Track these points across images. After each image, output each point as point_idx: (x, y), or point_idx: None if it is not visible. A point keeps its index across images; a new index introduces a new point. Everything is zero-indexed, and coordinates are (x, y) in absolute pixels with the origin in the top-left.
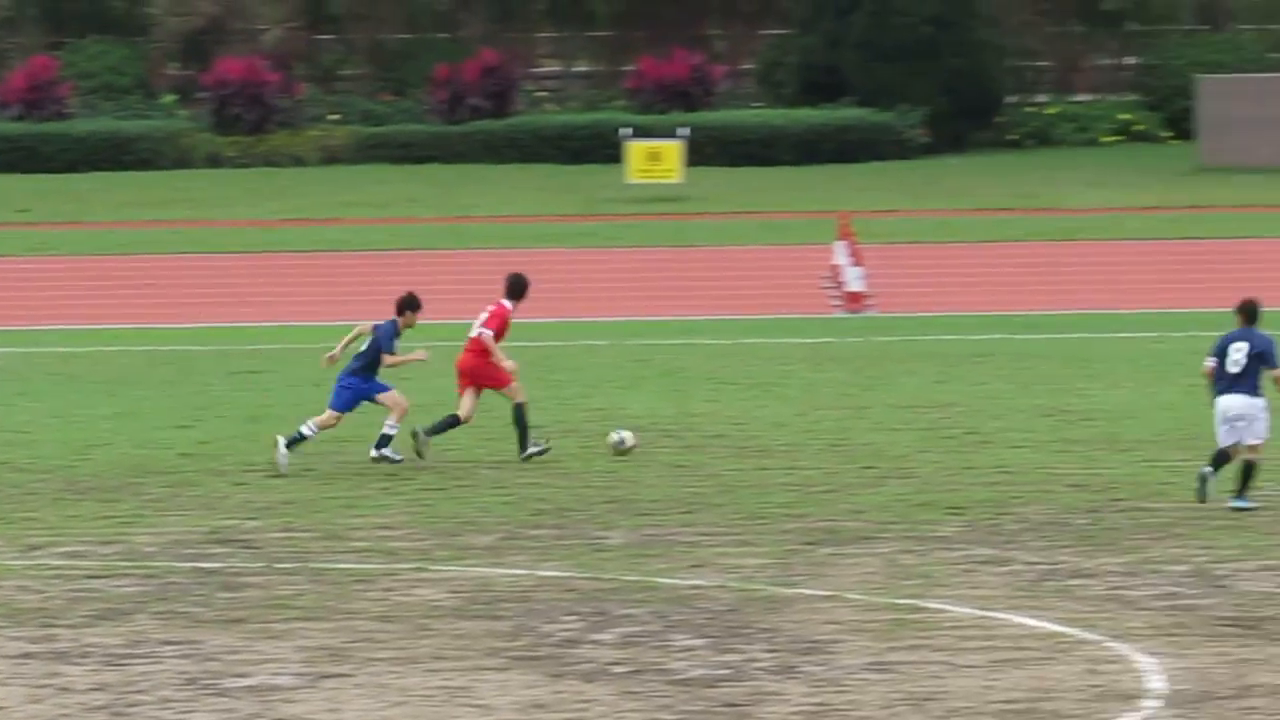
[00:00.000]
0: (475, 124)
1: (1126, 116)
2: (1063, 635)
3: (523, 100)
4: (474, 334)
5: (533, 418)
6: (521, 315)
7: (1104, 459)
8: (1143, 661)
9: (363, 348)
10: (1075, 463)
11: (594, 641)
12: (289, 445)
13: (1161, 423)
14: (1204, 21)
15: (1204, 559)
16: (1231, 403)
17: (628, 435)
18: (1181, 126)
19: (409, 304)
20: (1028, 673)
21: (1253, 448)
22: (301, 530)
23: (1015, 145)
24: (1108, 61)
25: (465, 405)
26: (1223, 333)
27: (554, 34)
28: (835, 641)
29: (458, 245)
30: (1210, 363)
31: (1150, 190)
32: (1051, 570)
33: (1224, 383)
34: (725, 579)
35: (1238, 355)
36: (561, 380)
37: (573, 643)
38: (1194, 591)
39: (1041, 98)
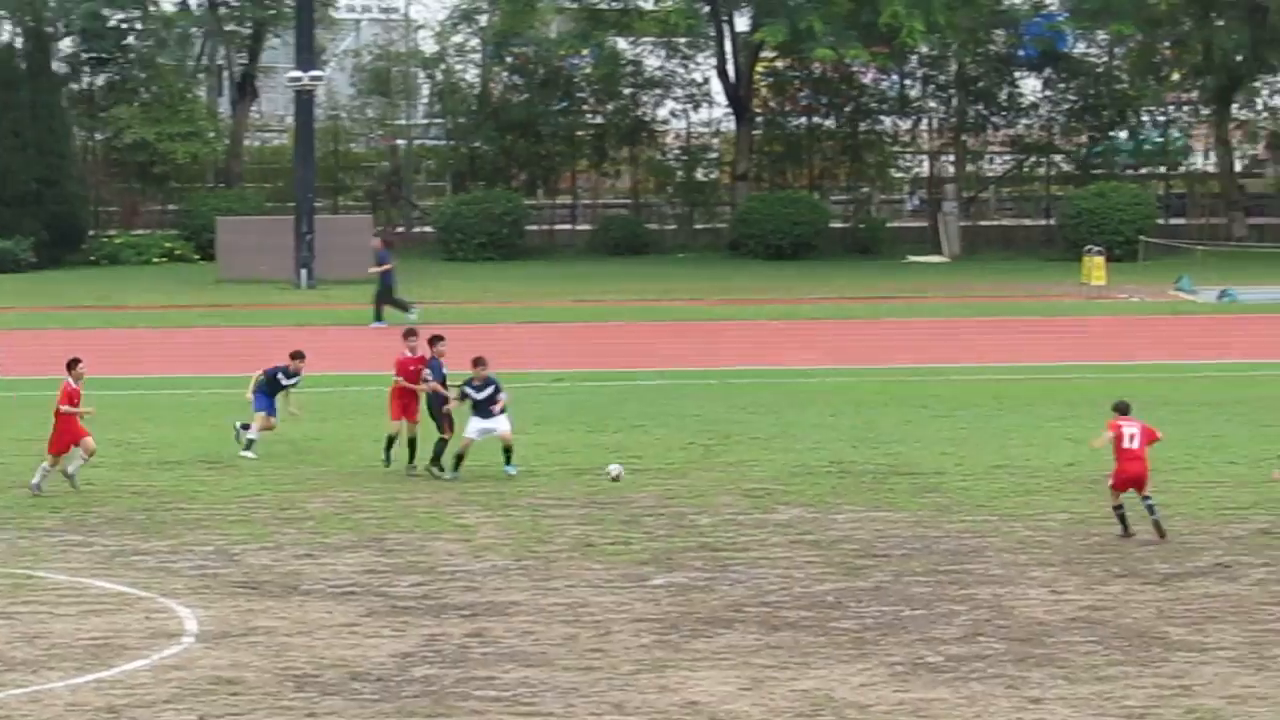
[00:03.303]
0: None
1: (170, 245)
2: (128, 594)
3: None
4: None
5: None
6: None
7: (156, 474)
8: (182, 611)
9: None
10: (137, 478)
11: None
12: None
13: (193, 449)
14: (223, 181)
15: (222, 542)
16: None
17: (617, 469)
18: (208, 252)
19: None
20: (105, 619)
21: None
22: None
23: (96, 264)
24: (158, 207)
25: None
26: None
27: None
28: None
29: None
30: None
31: (185, 294)
32: (120, 550)
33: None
34: None
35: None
36: None
37: None
38: (216, 564)
39: (113, 231)
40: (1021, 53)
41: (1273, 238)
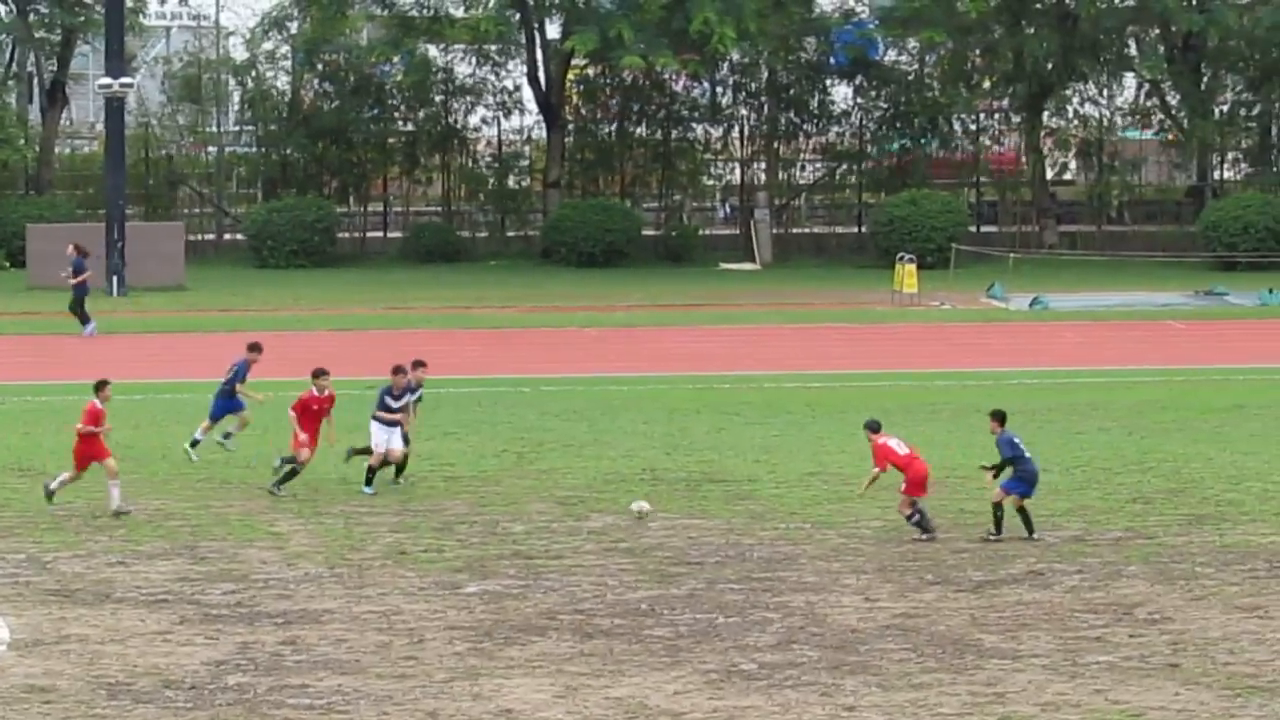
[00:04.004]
0: None
1: None
2: None
3: None
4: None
5: None
6: None
7: None
8: None
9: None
10: None
11: None
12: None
13: (3, 456)
14: (33, 188)
15: (34, 550)
16: None
17: (644, 505)
18: (19, 259)
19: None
20: None
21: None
22: None
23: None
24: None
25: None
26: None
27: None
28: None
29: None
30: None
31: None
32: None
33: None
34: None
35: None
36: None
37: None
38: (29, 571)
39: None
40: (833, 60)
41: (1084, 245)
